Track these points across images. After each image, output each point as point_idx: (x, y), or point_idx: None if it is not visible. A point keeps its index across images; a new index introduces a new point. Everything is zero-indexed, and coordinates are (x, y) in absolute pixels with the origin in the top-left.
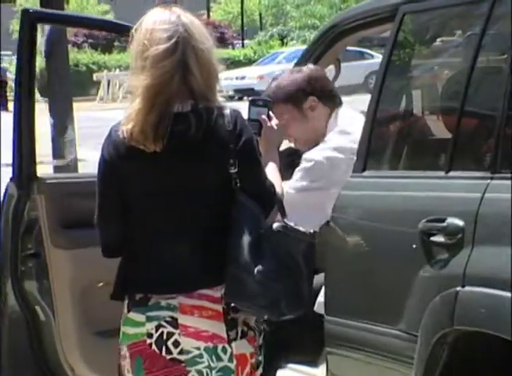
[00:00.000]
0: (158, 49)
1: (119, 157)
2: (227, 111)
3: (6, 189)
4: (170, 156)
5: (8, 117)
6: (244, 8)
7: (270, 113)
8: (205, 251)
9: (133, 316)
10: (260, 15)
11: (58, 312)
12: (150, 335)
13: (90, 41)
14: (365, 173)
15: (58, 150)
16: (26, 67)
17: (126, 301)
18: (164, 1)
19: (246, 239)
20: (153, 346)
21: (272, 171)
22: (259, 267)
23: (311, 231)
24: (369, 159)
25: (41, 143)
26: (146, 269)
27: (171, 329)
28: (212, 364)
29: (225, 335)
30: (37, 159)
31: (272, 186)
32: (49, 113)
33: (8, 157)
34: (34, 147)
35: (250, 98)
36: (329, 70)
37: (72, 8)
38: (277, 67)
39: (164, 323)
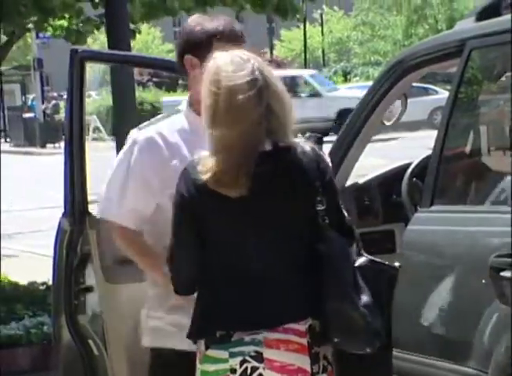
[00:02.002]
0: (243, 99)
1: (200, 198)
2: (307, 148)
3: (59, 225)
4: (254, 196)
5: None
6: (307, 45)
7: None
8: (289, 286)
9: (213, 353)
10: (323, 52)
11: (110, 346)
12: (234, 371)
13: (155, 79)
14: (433, 208)
15: None
16: (76, 105)
17: (203, 339)
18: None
19: (345, 274)
20: None
21: None
22: (362, 301)
23: (397, 265)
24: (436, 194)
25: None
26: (227, 306)
27: (255, 364)
28: None
29: (309, 369)
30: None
31: (350, 220)
32: (116, 152)
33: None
34: (85, 184)
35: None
36: (396, 106)
37: (137, 47)
38: None
39: (249, 358)
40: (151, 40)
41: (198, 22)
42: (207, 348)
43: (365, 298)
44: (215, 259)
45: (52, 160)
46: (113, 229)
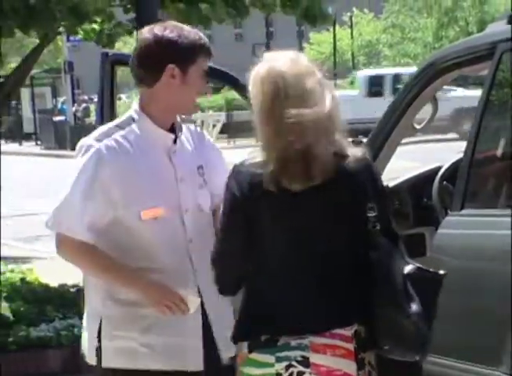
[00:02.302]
0: (311, 82)
1: (254, 196)
2: (359, 154)
3: None
4: (309, 197)
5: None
6: (337, 48)
7: None
8: (336, 291)
9: (258, 357)
10: (352, 55)
11: None
12: (279, 375)
13: None
14: (464, 211)
15: None
16: (107, 108)
17: (246, 342)
18: (256, 43)
19: (397, 281)
20: None
21: None
22: (413, 309)
23: (442, 272)
24: (467, 197)
25: None
26: (274, 310)
27: (301, 368)
28: None
29: (355, 374)
30: None
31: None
32: None
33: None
34: None
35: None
36: (427, 109)
37: None
38: None
39: (295, 363)
40: None
41: (177, 32)
42: (250, 351)
43: (415, 306)
44: (263, 261)
45: None
46: (66, 241)
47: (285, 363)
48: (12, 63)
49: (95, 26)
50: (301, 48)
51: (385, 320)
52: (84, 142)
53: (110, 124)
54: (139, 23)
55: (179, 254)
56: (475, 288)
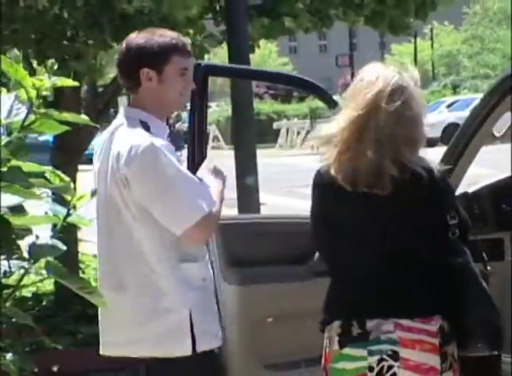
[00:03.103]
0: (406, 96)
1: (331, 197)
2: (435, 163)
3: None
4: (392, 200)
5: None
6: (417, 59)
7: None
8: (420, 285)
9: (350, 351)
10: (433, 65)
11: (226, 344)
12: (371, 369)
13: (271, 91)
14: None
15: (242, 193)
16: (199, 117)
17: (336, 338)
18: (340, 54)
19: (483, 283)
20: None
21: None
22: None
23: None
24: None
25: None
26: (359, 296)
27: (391, 362)
28: None
29: (439, 367)
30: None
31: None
32: (235, 161)
33: None
34: None
35: None
36: (506, 118)
37: (255, 61)
38: (441, 115)
39: (386, 357)
40: (268, 54)
41: (147, 37)
42: (341, 346)
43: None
44: (345, 256)
45: None
46: (211, 218)
47: (377, 357)
48: (111, 74)
49: (188, 39)
50: (382, 59)
51: (484, 319)
52: (143, 143)
53: (138, 129)
54: (229, 35)
55: None
56: None
